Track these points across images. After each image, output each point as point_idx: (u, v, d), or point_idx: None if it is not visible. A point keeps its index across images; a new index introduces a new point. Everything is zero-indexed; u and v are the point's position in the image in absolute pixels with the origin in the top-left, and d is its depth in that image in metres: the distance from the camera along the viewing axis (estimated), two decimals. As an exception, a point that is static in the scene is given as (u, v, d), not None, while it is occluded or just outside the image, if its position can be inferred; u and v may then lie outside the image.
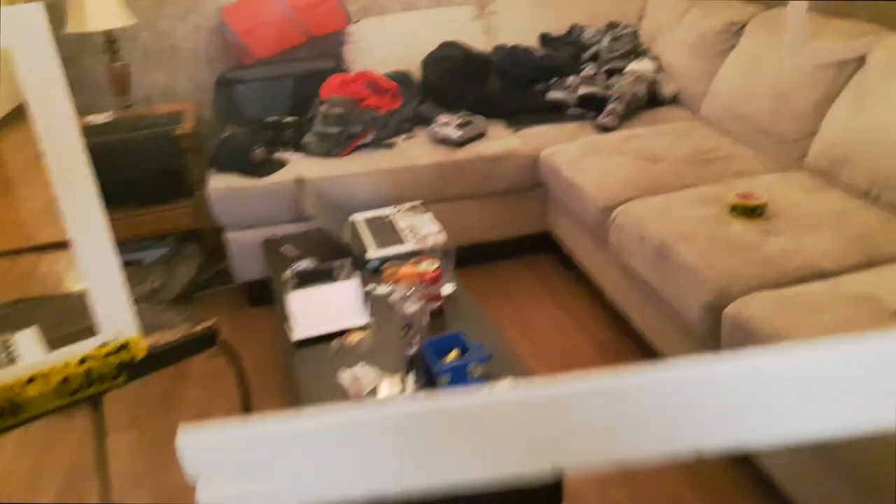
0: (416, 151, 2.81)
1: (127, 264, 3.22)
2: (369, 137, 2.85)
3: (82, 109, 3.14)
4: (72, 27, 2.84)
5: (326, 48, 3.34)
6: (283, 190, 2.66)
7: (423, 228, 2.42)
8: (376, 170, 2.72)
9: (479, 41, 3.31)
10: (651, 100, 3.00)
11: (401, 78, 3.12)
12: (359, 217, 2.55)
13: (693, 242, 1.92)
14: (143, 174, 2.93)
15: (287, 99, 3.11)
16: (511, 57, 3.18)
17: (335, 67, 3.18)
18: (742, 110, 2.58)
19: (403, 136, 2.93)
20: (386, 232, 2.42)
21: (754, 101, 2.53)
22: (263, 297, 2.71)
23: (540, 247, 3.01)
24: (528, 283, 2.86)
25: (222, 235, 2.75)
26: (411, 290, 1.82)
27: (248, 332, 2.74)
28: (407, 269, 1.80)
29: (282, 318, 2.02)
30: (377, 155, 2.79)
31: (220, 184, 2.67)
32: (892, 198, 1.97)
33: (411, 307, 1.80)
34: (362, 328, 1.90)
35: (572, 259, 2.78)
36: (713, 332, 1.76)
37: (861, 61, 2.20)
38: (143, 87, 3.32)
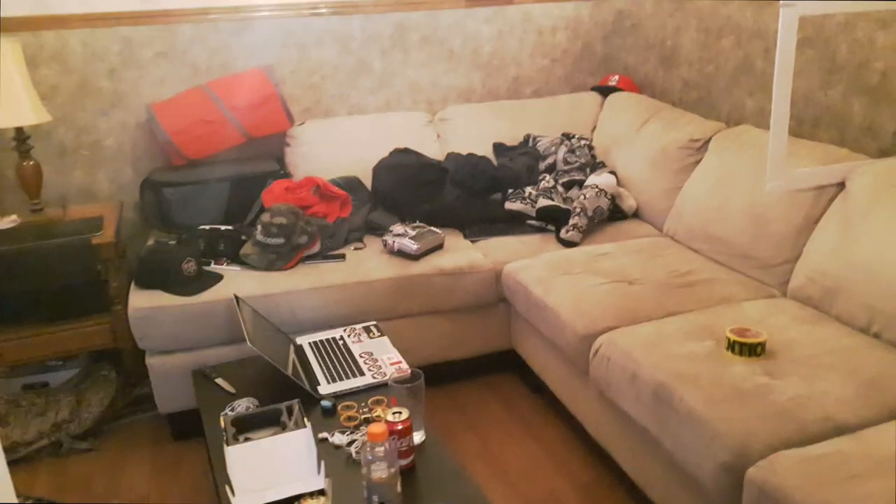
0: (369, 264, 2.55)
1: (30, 388, 2.80)
2: (316, 248, 2.59)
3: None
4: (-24, 122, 2.50)
5: (267, 150, 3.10)
6: (217, 309, 2.33)
7: (381, 355, 2.14)
8: (324, 285, 2.44)
9: (432, 148, 3.15)
10: (612, 214, 2.88)
11: (350, 184, 2.90)
12: (306, 341, 2.24)
13: (696, 386, 1.72)
14: (52, 287, 2.54)
15: (223, 205, 2.82)
16: (466, 165, 3.02)
17: (277, 172, 2.93)
18: (715, 231, 2.47)
19: (353, 246, 2.68)
20: (338, 360, 2.12)
21: (728, 223, 2.42)
22: (191, 430, 2.33)
23: (503, 365, 2.77)
24: (495, 409, 2.58)
25: (144, 358, 2.38)
26: (378, 449, 1.52)
27: (171, 473, 2.33)
28: (374, 427, 1.51)
29: (218, 479, 1.67)
30: (325, 268, 2.52)
31: (142, 301, 2.31)
32: (893, 336, 1.85)
33: (379, 471, 1.50)
34: (317, 494, 1.58)
35: (539, 380, 2.55)
36: (731, 494, 1.53)
37: (840, 186, 2.13)
38: (57, 188, 2.96)
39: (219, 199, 2.85)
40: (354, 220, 2.77)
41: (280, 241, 2.48)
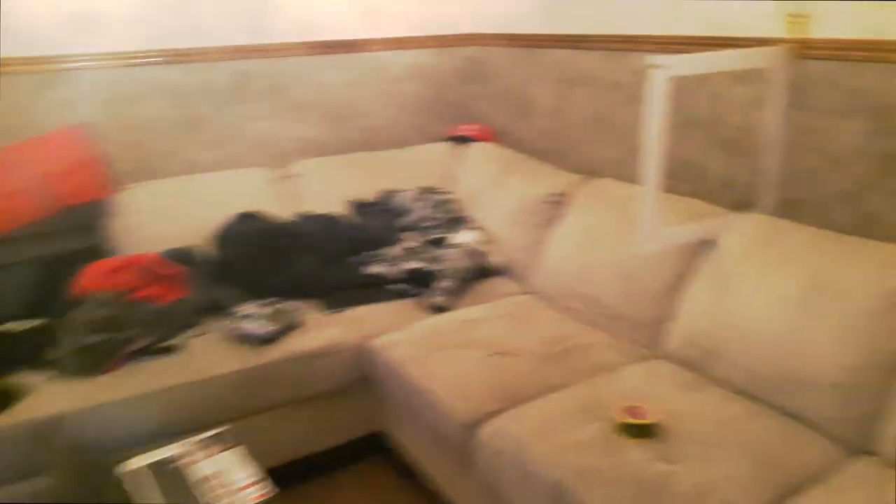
0: (211, 356, 2.20)
1: None
2: (145, 341, 2.20)
3: None
4: None
5: (84, 222, 2.65)
6: (17, 434, 1.88)
7: (234, 476, 1.80)
8: (156, 388, 2.05)
9: (281, 208, 2.85)
10: (479, 272, 2.72)
11: (185, 257, 2.53)
12: (137, 464, 1.85)
13: (597, 483, 1.55)
14: None
15: (26, 295, 2.35)
16: (321, 227, 2.75)
17: (95, 247, 2.51)
18: (585, 290, 2.37)
19: (191, 333, 2.31)
20: (180, 489, 1.75)
21: (597, 281, 2.33)
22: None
23: (373, 449, 2.50)
24: (365, 506, 2.31)
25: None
26: None
27: None
28: None
29: None
30: (158, 365, 2.13)
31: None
32: (774, 399, 1.80)
33: None
34: None
35: (413, 467, 2.31)
36: None
37: (710, 243, 2.09)
38: None
39: (21, 286, 2.37)
40: (194, 301, 2.40)
41: (100, 336, 2.07)
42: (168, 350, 2.20)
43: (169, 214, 2.67)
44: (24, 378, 2.04)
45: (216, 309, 2.42)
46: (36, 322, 2.19)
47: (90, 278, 2.27)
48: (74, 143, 2.56)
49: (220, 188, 2.82)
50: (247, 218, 2.66)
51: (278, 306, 2.37)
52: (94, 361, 2.06)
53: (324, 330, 2.37)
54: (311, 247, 2.66)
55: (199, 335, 2.31)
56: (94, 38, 2.65)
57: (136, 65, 2.74)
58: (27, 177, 2.44)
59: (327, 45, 3.10)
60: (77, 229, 2.62)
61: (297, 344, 2.28)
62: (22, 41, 2.53)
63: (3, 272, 2.34)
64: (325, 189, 2.98)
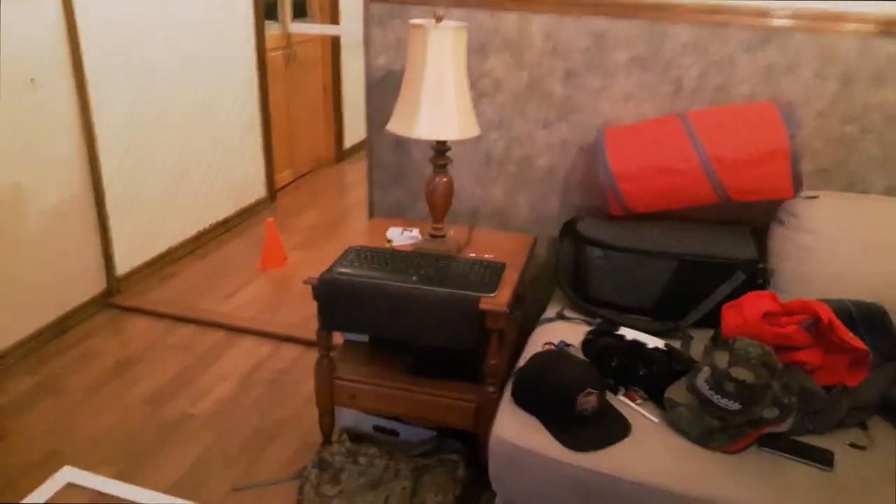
0: (875, 482, 1.45)
1: (380, 430, 2.22)
2: (785, 426, 1.58)
3: None
4: None
5: (745, 218, 2.11)
6: (615, 489, 1.52)
7: None
8: (786, 500, 1.44)
9: None
10: None
11: (872, 320, 1.76)
12: None
13: None
14: (428, 336, 2.02)
15: (656, 290, 1.97)
16: None
17: (752, 265, 1.95)
18: None
19: (850, 441, 1.59)
20: None
21: None
22: None
23: None
24: None
25: None
26: None
27: None
28: None
29: None
30: (793, 470, 1.50)
31: (511, 429, 1.61)
32: None
33: None
34: None
35: None
36: None
37: None
38: (469, 201, 2.45)
39: (655, 279, 2.00)
40: (866, 392, 1.65)
41: (735, 406, 1.53)
42: (814, 454, 1.53)
43: (864, 248, 1.90)
44: (632, 406, 1.66)
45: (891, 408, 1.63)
46: (663, 344, 1.77)
47: (739, 315, 1.73)
48: (772, 125, 1.98)
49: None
50: None
51: None
52: (715, 430, 1.54)
53: None
54: None
55: (860, 448, 1.57)
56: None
57: (877, 35, 1.97)
58: (695, 157, 1.98)
59: None
60: (732, 230, 2.11)
61: None
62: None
63: (642, 261, 1.99)
64: None
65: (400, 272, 2.02)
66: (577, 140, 2.32)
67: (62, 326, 2.99)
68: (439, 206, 2.15)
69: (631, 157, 2.04)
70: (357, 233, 4.23)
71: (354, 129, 5.72)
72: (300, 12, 4.98)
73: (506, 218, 2.49)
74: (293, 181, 5.00)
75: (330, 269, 2.04)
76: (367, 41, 2.43)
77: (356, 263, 2.07)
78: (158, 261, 3.55)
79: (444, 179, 2.12)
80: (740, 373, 1.54)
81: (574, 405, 1.57)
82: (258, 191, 4.42)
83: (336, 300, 2.00)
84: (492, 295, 1.92)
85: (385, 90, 2.46)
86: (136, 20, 3.22)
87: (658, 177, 2.01)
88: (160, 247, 3.57)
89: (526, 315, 2.45)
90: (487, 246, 2.25)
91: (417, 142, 2.46)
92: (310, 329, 3.01)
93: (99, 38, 3.02)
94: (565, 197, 2.40)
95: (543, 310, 2.18)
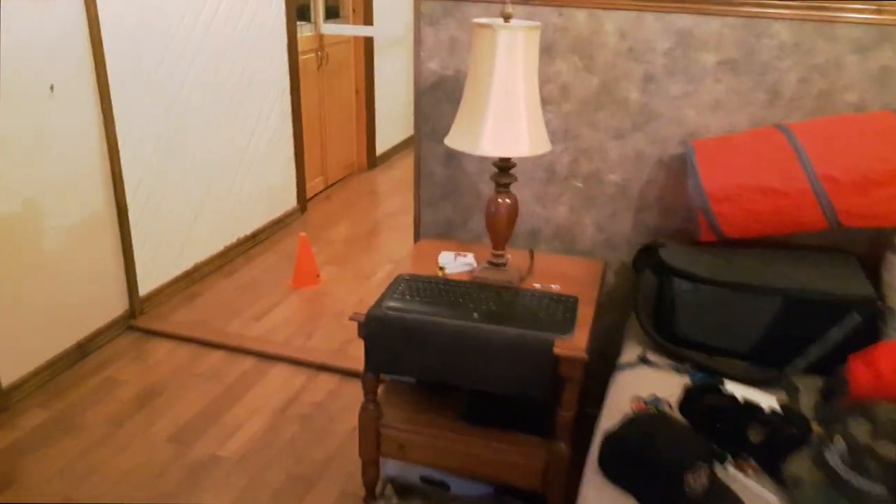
0: None
1: (428, 483, 1.92)
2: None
3: None
4: None
5: (853, 245, 1.83)
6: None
7: None
8: None
9: None
10: None
11: None
12: None
13: None
14: (499, 380, 1.76)
15: (759, 330, 1.69)
16: None
17: (870, 303, 1.66)
18: None
19: None
20: None
21: None
22: None
23: None
24: None
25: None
26: None
27: None
28: None
29: None
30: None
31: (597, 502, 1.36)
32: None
33: None
34: None
35: None
36: None
37: None
38: (532, 220, 2.19)
39: (754, 318, 1.72)
40: None
41: (879, 491, 1.25)
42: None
43: None
44: (744, 480, 1.39)
45: None
46: (782, 411, 1.49)
47: (875, 369, 1.44)
48: (893, 138, 1.70)
49: None
50: None
51: None
52: (858, 525, 1.26)
53: None
54: None
55: None
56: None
57: None
58: (802, 175, 1.70)
59: None
60: (841, 260, 1.82)
61: None
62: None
63: (743, 297, 1.71)
64: None
65: (458, 307, 1.76)
66: (656, 153, 2.05)
67: (81, 352, 2.78)
68: (501, 231, 1.89)
69: (728, 174, 1.76)
70: (391, 245, 4.02)
71: (387, 135, 5.48)
72: (333, 13, 4.75)
73: (570, 240, 2.22)
74: (324, 189, 4.77)
75: (378, 304, 1.78)
76: (418, 42, 2.18)
77: (407, 296, 1.81)
78: (184, 279, 3.33)
79: (508, 201, 1.86)
80: (888, 450, 1.26)
81: (682, 485, 1.30)
82: (288, 201, 4.19)
83: (386, 340, 1.74)
84: (567, 337, 1.65)
85: (437, 97, 2.21)
86: (162, 20, 3.00)
87: (760, 198, 1.73)
88: (185, 264, 3.35)
89: (591, 346, 2.19)
90: (552, 273, 1.99)
91: (471, 154, 2.20)
92: (347, 357, 2.77)
93: (123, 41, 2.80)
94: (639, 217, 2.13)
95: (609, 339, 1.91)
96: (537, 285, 1.91)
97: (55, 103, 2.53)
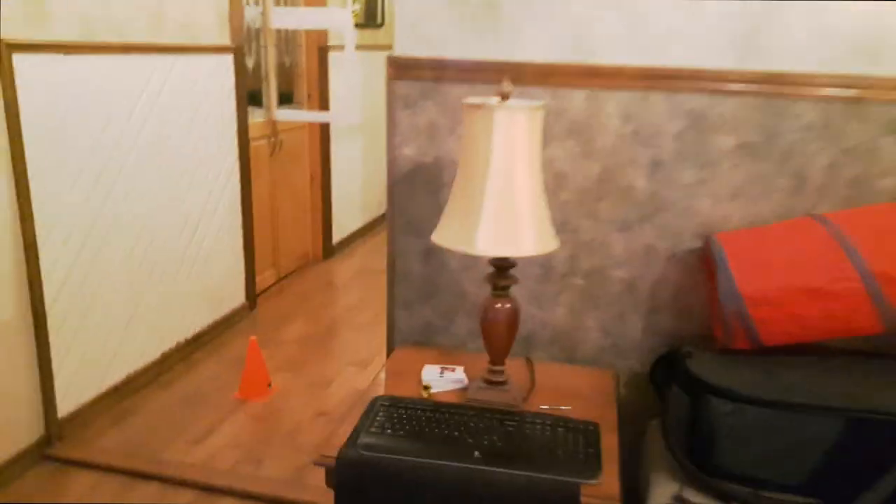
0: None
1: None
2: None
3: None
4: None
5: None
6: None
7: None
8: None
9: None
10: None
11: None
12: None
13: None
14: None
15: (816, 458, 1.39)
16: None
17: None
18: None
19: None
20: None
21: None
22: None
23: None
24: None
25: None
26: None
27: None
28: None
29: None
30: None
31: None
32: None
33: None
34: None
35: None
36: None
37: None
38: (532, 324, 1.88)
39: (810, 444, 1.43)
40: None
41: None
42: None
43: None
44: None
45: None
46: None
47: None
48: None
49: None
50: None
51: None
52: None
53: None
54: None
55: None
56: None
57: None
58: (859, 272, 1.46)
59: None
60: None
61: None
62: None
63: (795, 418, 1.43)
64: None
65: (454, 443, 1.42)
66: (667, 247, 1.79)
67: (-18, 491, 2.30)
68: (501, 343, 1.58)
69: (766, 275, 1.50)
70: (351, 346, 3.62)
71: (344, 222, 5.19)
72: (287, 99, 4.52)
73: (571, 345, 1.92)
74: (276, 283, 4.40)
75: (352, 441, 1.43)
76: (391, 127, 1.92)
77: (388, 429, 1.47)
78: (113, 394, 2.88)
79: (508, 306, 1.56)
80: None
81: None
82: (236, 298, 3.81)
83: (365, 492, 1.38)
84: (594, 481, 1.32)
85: (413, 186, 1.93)
86: (93, 97, 2.69)
87: (807, 301, 1.47)
88: (115, 376, 2.91)
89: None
90: (557, 389, 1.68)
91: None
92: (305, 487, 2.35)
93: (45, 122, 2.46)
94: (651, 320, 1.85)
95: (622, 464, 1.58)
96: (544, 406, 1.59)
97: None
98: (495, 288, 1.56)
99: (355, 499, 1.38)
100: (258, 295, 4.06)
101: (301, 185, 4.63)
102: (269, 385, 3.06)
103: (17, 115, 2.31)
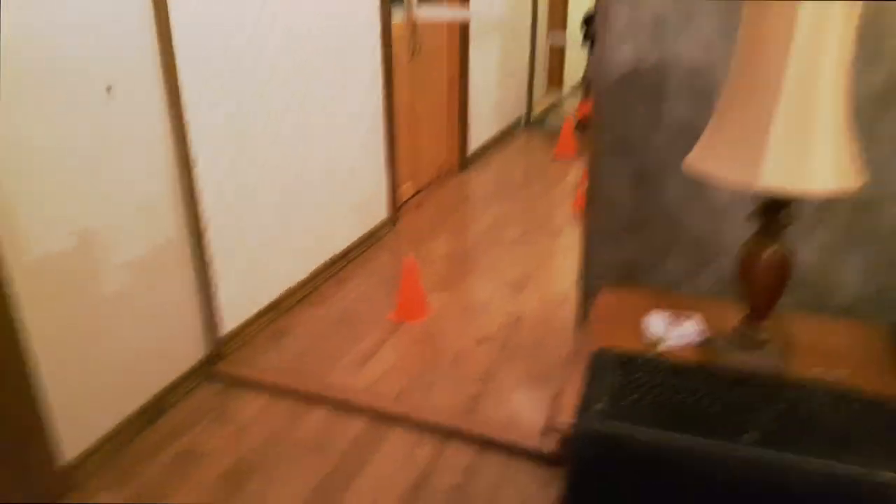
0: None
1: None
2: None
3: None
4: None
5: None
6: None
7: None
8: None
9: None
10: None
11: None
12: None
13: None
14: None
15: None
16: None
17: None
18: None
19: None
20: None
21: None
22: None
23: None
24: None
25: None
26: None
27: None
28: None
29: None
30: None
31: None
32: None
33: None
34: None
35: None
36: None
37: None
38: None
39: None
40: None
41: None
42: None
43: None
44: None
45: None
46: None
47: None
48: None
49: None
50: None
51: None
52: None
53: None
54: None
55: None
56: None
57: None
58: None
59: None
60: None
61: None
62: None
63: None
64: None
65: (716, 419, 1.16)
66: None
67: (153, 413, 2.28)
68: (769, 295, 1.28)
69: None
70: (502, 265, 3.36)
71: (480, 131, 4.89)
72: (423, -6, 4.17)
73: (819, 292, 1.60)
74: (414, 195, 4.21)
75: (586, 407, 1.20)
76: (603, 22, 1.58)
77: (629, 395, 1.23)
78: (268, 312, 2.82)
79: (780, 254, 1.25)
80: None
81: None
82: (379, 212, 3.65)
83: (614, 474, 1.16)
84: None
85: (628, 96, 1.61)
86: (240, 8, 2.47)
87: None
88: (270, 294, 2.83)
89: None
90: (814, 347, 1.38)
91: (675, 174, 1.60)
92: (481, 420, 2.20)
93: (196, 32, 2.27)
94: None
95: None
96: (817, 371, 1.30)
97: (113, 109, 2.02)
98: (764, 230, 1.25)
99: (602, 481, 1.16)
100: (397, 208, 3.89)
101: (438, 91, 4.33)
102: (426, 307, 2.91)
103: (166, 12, 2.12)
